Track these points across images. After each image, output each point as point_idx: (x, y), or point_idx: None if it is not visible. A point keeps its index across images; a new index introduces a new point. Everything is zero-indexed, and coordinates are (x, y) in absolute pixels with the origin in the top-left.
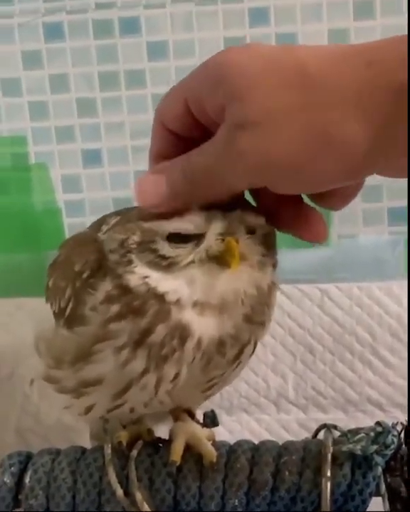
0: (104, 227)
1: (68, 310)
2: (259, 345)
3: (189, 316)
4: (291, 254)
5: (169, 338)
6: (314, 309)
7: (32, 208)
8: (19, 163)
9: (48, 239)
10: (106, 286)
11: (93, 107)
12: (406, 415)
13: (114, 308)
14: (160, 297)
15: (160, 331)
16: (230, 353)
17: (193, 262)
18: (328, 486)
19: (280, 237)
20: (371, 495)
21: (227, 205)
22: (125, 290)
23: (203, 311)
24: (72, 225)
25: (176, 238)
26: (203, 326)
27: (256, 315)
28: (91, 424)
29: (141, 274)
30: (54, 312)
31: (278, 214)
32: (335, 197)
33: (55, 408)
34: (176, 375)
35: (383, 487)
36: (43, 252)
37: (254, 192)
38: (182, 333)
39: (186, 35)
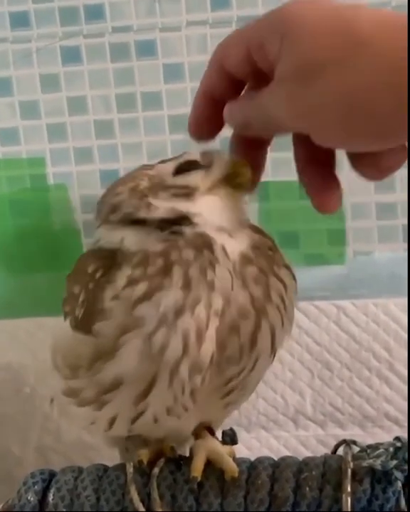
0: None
1: (81, 314)
2: (276, 362)
3: (209, 231)
4: (307, 272)
5: (199, 247)
6: (331, 326)
7: (51, 229)
8: (38, 185)
9: (67, 259)
10: (125, 272)
11: (111, 129)
12: None
13: (141, 287)
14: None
15: (187, 254)
16: (244, 330)
17: (211, 187)
18: (348, 501)
19: (295, 255)
20: (391, 510)
21: None
22: (145, 258)
23: (220, 232)
24: (91, 244)
25: (185, 170)
26: (223, 239)
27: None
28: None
29: (167, 207)
30: (73, 327)
31: (306, 169)
32: (376, 167)
33: (75, 426)
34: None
35: (403, 502)
36: (62, 272)
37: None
38: (205, 240)
39: (201, 58)
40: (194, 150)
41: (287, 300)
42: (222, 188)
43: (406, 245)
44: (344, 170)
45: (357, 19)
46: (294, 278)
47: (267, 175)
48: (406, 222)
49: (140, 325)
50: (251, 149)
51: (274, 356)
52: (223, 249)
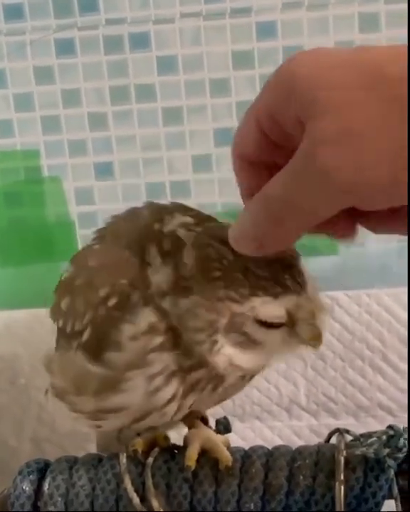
0: (152, 257)
1: (86, 336)
2: None
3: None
4: None
5: (206, 381)
6: None
7: (45, 221)
8: (32, 177)
9: (61, 251)
10: (148, 317)
11: (105, 121)
12: None
13: (158, 339)
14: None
15: (200, 373)
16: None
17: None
18: (342, 489)
19: None
20: (384, 498)
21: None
22: (171, 326)
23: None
24: (86, 236)
25: (268, 323)
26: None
27: None
28: (99, 436)
29: (227, 355)
30: (61, 329)
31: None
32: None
33: (70, 417)
34: (194, 402)
35: (395, 489)
36: (57, 264)
37: None
38: (218, 381)
39: (194, 50)
40: None
41: None
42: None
43: (398, 236)
44: None
45: (378, 64)
46: None
47: None
48: None
49: (147, 365)
50: None
51: None
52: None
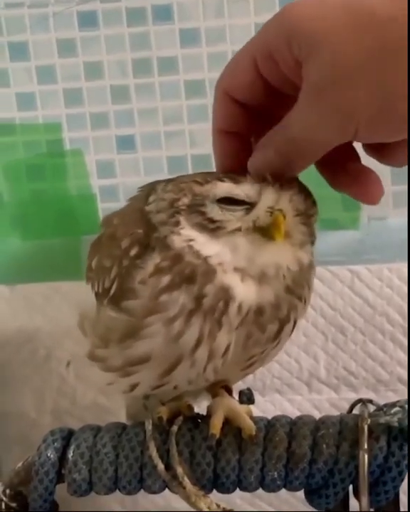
0: (152, 198)
1: (113, 289)
2: None
3: (231, 280)
4: (321, 237)
5: (217, 299)
6: (345, 290)
7: (67, 193)
8: (54, 150)
9: (83, 223)
10: (155, 260)
11: (127, 94)
12: None
13: (165, 279)
14: (204, 259)
15: (210, 291)
16: (270, 328)
17: (239, 229)
18: (365, 458)
19: None
20: (407, 466)
21: (282, 182)
22: (175, 260)
23: (244, 279)
24: (107, 209)
25: (227, 203)
26: (243, 292)
27: (297, 288)
28: (128, 404)
29: (186, 237)
30: (96, 293)
31: (338, 173)
32: (399, 153)
33: (91, 389)
34: (227, 349)
35: None
36: (78, 237)
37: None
38: (225, 295)
39: (217, 22)
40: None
41: (311, 290)
42: (253, 232)
43: None
44: None
45: (370, 5)
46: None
47: None
48: None
49: (162, 310)
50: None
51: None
52: (240, 306)
